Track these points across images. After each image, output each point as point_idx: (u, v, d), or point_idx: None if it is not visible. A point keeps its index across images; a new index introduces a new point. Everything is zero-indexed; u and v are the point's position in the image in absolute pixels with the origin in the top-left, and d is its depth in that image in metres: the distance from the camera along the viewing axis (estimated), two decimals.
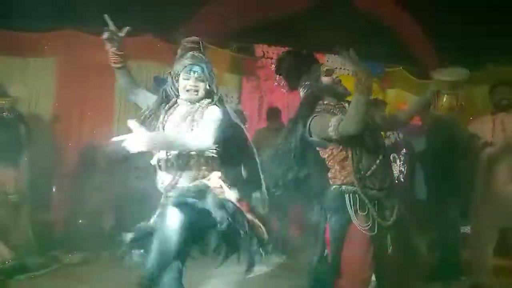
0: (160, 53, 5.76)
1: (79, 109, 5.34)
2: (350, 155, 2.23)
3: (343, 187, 2.27)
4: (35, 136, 4.74)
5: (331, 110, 2.31)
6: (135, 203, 4.76)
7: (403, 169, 4.70)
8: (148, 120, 2.22)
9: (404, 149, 4.76)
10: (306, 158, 2.33)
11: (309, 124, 2.26)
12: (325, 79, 2.37)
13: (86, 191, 4.59)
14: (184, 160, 2.12)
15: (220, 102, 2.25)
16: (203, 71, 2.19)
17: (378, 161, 2.25)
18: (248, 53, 6.06)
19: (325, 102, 2.36)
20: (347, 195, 2.25)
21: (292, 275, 3.73)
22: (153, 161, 2.19)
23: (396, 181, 4.67)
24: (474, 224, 3.38)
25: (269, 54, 6.00)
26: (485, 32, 5.17)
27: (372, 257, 2.21)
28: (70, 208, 4.68)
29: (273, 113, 5.21)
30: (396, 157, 4.92)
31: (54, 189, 4.85)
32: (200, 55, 2.25)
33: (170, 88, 2.29)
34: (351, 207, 2.22)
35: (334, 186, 2.31)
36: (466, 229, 4.79)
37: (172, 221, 2.00)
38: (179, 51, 2.28)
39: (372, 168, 2.23)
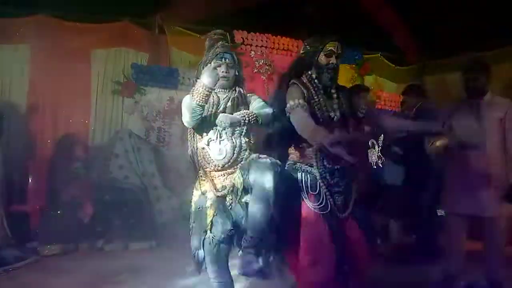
0: (137, 40, 5.68)
1: (54, 98, 5.20)
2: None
3: (297, 164, 2.38)
4: (9, 126, 4.63)
5: (306, 87, 2.40)
6: (114, 193, 4.74)
7: (381, 155, 4.74)
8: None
9: (382, 135, 4.82)
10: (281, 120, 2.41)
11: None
12: (322, 57, 2.42)
13: (63, 182, 4.51)
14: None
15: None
16: (233, 58, 2.34)
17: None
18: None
19: (309, 73, 2.45)
20: (300, 173, 2.35)
21: None
22: (201, 144, 2.28)
23: (374, 167, 4.71)
24: (447, 210, 3.42)
25: (249, 40, 5.95)
26: (462, 19, 5.24)
27: (331, 241, 2.27)
28: (47, 199, 4.59)
29: None
30: (375, 142, 4.96)
31: (30, 180, 4.75)
32: (228, 44, 2.40)
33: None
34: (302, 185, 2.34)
35: (289, 162, 2.41)
36: (442, 212, 4.92)
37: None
38: (206, 43, 2.39)
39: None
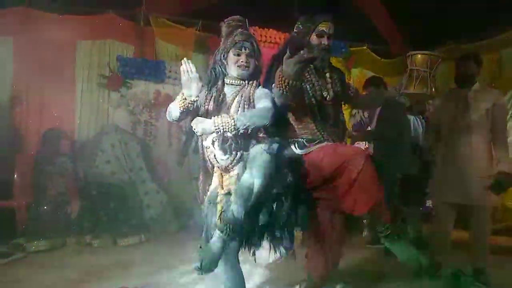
0: (122, 32, 5.61)
1: (38, 92, 5.12)
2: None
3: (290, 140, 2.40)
4: None
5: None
6: (101, 188, 4.70)
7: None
8: (197, 103, 2.19)
9: (369, 127, 4.85)
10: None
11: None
12: (313, 37, 2.41)
13: (49, 177, 4.46)
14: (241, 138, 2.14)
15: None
16: (253, 46, 2.24)
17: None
18: (214, 31, 5.96)
19: (301, 53, 2.41)
20: (293, 144, 2.38)
21: None
22: (207, 143, 2.18)
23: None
24: (434, 200, 3.48)
25: None
26: (447, 11, 5.29)
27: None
28: (33, 194, 4.54)
29: None
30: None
31: (15, 175, 4.68)
32: (247, 32, 2.28)
33: (218, 67, 2.28)
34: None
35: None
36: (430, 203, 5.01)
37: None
38: (224, 30, 2.30)
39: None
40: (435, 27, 5.73)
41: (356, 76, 6.91)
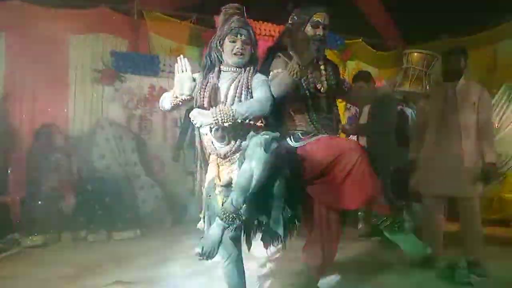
0: (116, 26, 5.58)
1: (31, 86, 5.07)
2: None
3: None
4: None
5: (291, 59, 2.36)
6: (96, 182, 4.69)
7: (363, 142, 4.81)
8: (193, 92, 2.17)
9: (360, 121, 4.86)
10: None
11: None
12: (308, 28, 2.41)
13: (44, 172, 4.44)
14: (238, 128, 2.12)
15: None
16: (249, 34, 2.19)
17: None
18: (208, 24, 5.93)
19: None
20: (288, 138, 2.35)
21: None
22: (205, 130, 2.16)
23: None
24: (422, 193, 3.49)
25: None
26: (442, 4, 5.28)
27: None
28: (27, 190, 4.52)
29: None
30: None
31: (9, 171, 4.66)
32: (244, 19, 2.23)
33: (214, 53, 2.25)
34: None
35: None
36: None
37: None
38: (221, 17, 2.25)
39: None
40: (429, 21, 5.72)
41: (352, 69, 6.91)
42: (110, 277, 3.08)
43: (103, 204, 4.54)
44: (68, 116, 5.30)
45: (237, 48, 2.17)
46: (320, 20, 2.40)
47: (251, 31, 2.21)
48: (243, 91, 2.15)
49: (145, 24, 5.70)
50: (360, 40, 6.96)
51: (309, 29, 2.41)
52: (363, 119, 4.27)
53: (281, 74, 2.22)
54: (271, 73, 2.31)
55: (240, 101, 2.13)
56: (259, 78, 2.21)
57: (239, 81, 2.18)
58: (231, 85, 2.18)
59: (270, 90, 2.15)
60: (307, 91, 2.38)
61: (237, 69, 2.23)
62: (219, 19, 2.28)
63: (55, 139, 4.66)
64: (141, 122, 5.47)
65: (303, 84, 2.38)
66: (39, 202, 4.33)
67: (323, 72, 2.47)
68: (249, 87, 2.17)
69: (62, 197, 4.45)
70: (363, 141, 4.21)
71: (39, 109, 5.07)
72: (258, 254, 3.00)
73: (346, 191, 2.17)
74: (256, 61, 2.28)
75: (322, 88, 2.42)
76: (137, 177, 5.06)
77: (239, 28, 2.17)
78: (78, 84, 5.37)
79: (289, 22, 2.52)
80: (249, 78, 2.19)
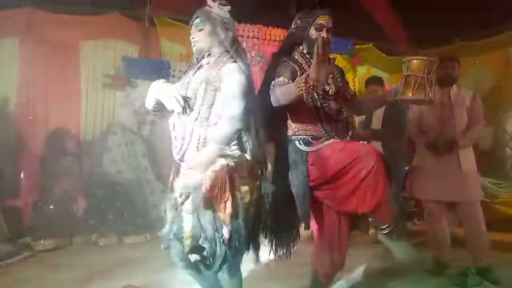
0: (127, 32, 5.62)
1: (44, 91, 5.14)
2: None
3: (293, 137, 2.36)
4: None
5: (298, 63, 2.37)
6: (107, 187, 4.72)
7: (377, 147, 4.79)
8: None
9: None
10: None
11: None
12: (312, 31, 2.39)
13: (56, 176, 4.48)
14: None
15: (239, 56, 2.05)
16: (201, 20, 2.06)
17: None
18: None
19: (300, 48, 2.44)
20: (297, 141, 2.33)
21: None
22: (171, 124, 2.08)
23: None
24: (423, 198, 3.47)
25: (240, 31, 5.91)
26: (453, 8, 5.24)
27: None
28: (39, 194, 4.56)
29: None
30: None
31: (22, 175, 4.71)
32: (205, 8, 2.10)
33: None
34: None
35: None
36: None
37: None
38: None
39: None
40: (440, 25, 5.69)
41: (363, 74, 6.88)
42: (120, 281, 3.10)
43: (114, 208, 4.57)
44: (79, 121, 5.34)
45: (192, 39, 2.08)
46: (323, 23, 2.38)
47: (205, 16, 2.06)
48: (211, 92, 1.96)
49: (156, 30, 5.74)
50: (370, 44, 6.93)
51: (313, 32, 2.39)
52: (376, 124, 4.24)
53: (286, 86, 2.19)
54: (276, 79, 2.28)
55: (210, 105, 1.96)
56: (232, 82, 1.94)
57: (206, 80, 1.98)
58: (199, 85, 2.00)
59: (247, 101, 1.94)
60: (315, 94, 2.35)
61: (198, 61, 2.11)
62: None
63: (67, 144, 4.71)
64: (152, 127, 5.49)
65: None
66: (51, 206, 4.38)
67: (330, 74, 2.45)
68: (218, 86, 1.96)
69: (73, 201, 4.49)
70: (376, 146, 4.20)
71: (51, 114, 5.13)
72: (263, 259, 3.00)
73: (358, 196, 2.14)
74: (225, 50, 2.06)
75: (331, 90, 2.40)
76: (148, 182, 5.08)
77: (196, 17, 2.09)
78: (89, 89, 5.42)
79: (292, 26, 2.51)
80: (217, 74, 1.98)
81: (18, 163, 4.77)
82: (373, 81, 4.40)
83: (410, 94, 2.34)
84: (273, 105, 2.23)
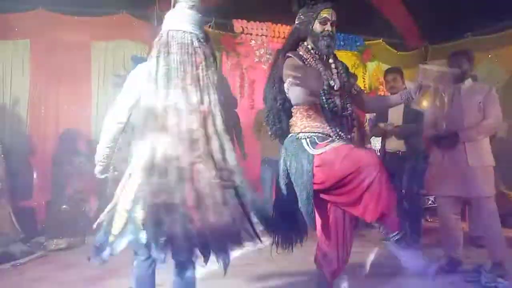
0: (137, 32, 5.63)
1: (55, 92, 5.20)
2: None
3: (300, 134, 2.33)
4: (12, 122, 4.63)
5: (302, 59, 2.35)
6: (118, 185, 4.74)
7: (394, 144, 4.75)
8: None
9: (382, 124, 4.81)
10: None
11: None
12: (317, 25, 2.37)
13: (68, 176, 4.52)
14: None
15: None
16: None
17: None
18: (227, 29, 5.96)
19: (305, 43, 2.41)
20: (304, 140, 2.30)
21: None
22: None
23: None
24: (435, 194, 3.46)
25: (248, 29, 5.91)
26: (464, 3, 5.18)
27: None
28: (52, 194, 4.61)
29: None
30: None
31: (34, 175, 4.76)
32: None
33: None
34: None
35: (291, 134, 2.38)
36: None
37: None
38: None
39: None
40: (451, 19, 5.62)
41: (373, 70, 6.84)
42: (132, 279, 3.11)
43: None
44: (90, 121, 5.39)
45: None
46: (327, 16, 2.35)
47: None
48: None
49: None
50: (380, 40, 6.88)
51: (317, 26, 2.36)
52: (395, 120, 4.20)
53: (297, 89, 2.07)
54: (288, 79, 2.20)
55: None
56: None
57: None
58: None
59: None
60: (320, 90, 2.32)
61: None
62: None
63: (78, 144, 4.75)
64: None
65: None
66: (64, 206, 4.42)
67: (334, 69, 2.42)
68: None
69: (85, 201, 4.53)
70: (394, 142, 4.17)
71: (63, 114, 5.19)
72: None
73: (364, 204, 2.11)
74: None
75: (335, 85, 2.37)
76: None
77: None
78: (100, 90, 5.47)
79: (296, 22, 2.48)
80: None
81: (30, 163, 4.83)
82: (393, 70, 4.45)
83: (426, 104, 2.32)
84: (292, 103, 2.23)
